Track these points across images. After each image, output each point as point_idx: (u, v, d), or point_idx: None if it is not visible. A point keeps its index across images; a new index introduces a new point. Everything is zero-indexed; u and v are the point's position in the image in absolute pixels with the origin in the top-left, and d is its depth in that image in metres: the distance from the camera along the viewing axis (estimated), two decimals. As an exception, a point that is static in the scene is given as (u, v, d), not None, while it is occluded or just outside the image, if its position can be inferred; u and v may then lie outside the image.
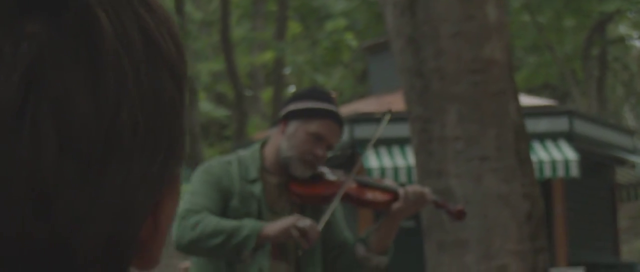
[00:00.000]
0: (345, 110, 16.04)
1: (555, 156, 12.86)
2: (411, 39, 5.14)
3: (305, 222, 3.44)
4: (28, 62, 0.55)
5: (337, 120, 3.74)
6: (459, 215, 3.72)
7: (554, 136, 13.38)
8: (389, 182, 3.82)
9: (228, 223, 3.52)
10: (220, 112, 23.78)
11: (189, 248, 3.56)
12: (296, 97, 3.84)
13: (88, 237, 0.58)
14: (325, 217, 3.63)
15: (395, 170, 12.56)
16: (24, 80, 0.55)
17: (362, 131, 13.25)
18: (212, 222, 3.52)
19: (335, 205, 3.66)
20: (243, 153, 3.82)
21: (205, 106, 23.19)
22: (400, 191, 3.62)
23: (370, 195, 3.74)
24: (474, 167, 4.97)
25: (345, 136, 12.75)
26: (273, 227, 3.48)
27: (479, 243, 4.96)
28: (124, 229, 0.61)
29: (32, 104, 0.55)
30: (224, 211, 3.66)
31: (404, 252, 9.21)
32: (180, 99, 0.65)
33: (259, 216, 3.63)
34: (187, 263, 17.23)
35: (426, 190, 3.64)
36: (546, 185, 13.15)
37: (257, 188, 3.69)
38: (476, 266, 4.95)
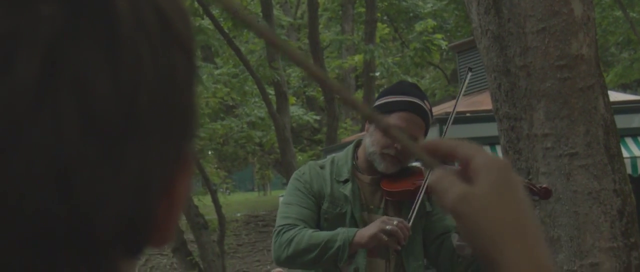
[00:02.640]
0: (436, 110, 15.96)
1: (649, 152, 12.61)
2: (496, 36, 5.11)
3: (392, 223, 3.44)
4: (47, 43, 0.56)
5: (417, 111, 3.70)
6: (545, 193, 3.70)
7: (648, 132, 13.12)
8: None
9: (320, 236, 3.54)
10: (311, 117, 23.84)
11: (287, 264, 3.61)
12: (380, 95, 3.86)
13: (108, 216, 0.59)
14: (414, 211, 3.62)
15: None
16: (44, 61, 0.56)
17: (453, 131, 13.16)
18: (305, 237, 3.55)
19: (422, 195, 3.65)
20: (338, 155, 3.85)
21: (296, 111, 23.29)
22: None
23: None
24: (564, 165, 4.92)
25: (436, 136, 12.68)
26: (363, 235, 3.49)
27: (570, 241, 4.90)
28: (143, 207, 0.62)
29: (53, 84, 0.56)
30: (318, 214, 3.69)
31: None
32: (192, 77, 0.66)
33: (352, 216, 3.65)
34: (279, 269, 17.33)
35: None
36: (639, 181, 12.90)
37: (348, 188, 3.71)
38: (568, 264, 4.89)
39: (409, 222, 3.54)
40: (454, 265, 3.71)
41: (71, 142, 0.56)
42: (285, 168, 16.97)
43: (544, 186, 3.74)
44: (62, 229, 0.57)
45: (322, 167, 3.80)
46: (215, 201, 22.76)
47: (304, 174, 3.77)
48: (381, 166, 3.70)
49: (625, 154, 5.26)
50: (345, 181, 3.74)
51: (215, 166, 31.33)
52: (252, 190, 43.84)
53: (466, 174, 0.97)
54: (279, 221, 3.67)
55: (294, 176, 3.83)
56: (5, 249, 0.57)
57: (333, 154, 3.96)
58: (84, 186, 0.57)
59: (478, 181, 0.95)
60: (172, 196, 0.65)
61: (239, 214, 30.89)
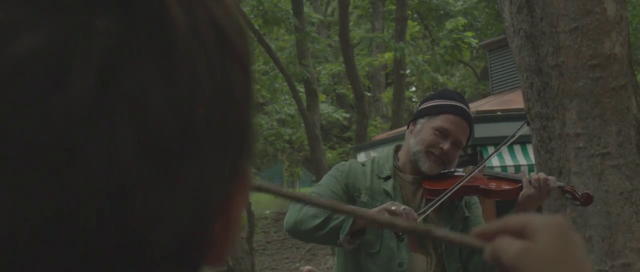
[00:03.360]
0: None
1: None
2: (529, 35, 5.10)
3: (398, 206, 3.45)
4: (103, 58, 0.55)
5: (464, 116, 3.77)
6: (587, 200, 3.73)
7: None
8: (514, 174, 3.84)
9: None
10: (341, 114, 23.84)
11: (295, 230, 3.63)
12: (425, 99, 3.92)
13: (164, 234, 0.58)
14: (433, 205, 3.64)
15: (517, 169, 12.42)
16: (100, 76, 0.55)
17: (483, 130, 13.14)
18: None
19: (445, 196, 3.67)
20: (378, 155, 3.91)
21: (326, 108, 23.30)
22: (525, 179, 3.63)
23: (494, 185, 3.76)
24: (596, 164, 4.90)
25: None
26: (368, 212, 3.50)
27: (602, 241, 4.88)
28: (199, 226, 0.60)
29: (109, 100, 0.55)
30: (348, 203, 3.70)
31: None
32: (249, 92, 0.64)
33: None
34: (308, 267, 17.43)
35: (551, 177, 3.64)
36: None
37: (389, 185, 3.74)
38: (599, 264, 4.88)
39: (423, 214, 3.56)
40: (486, 269, 3.72)
41: (126, 159, 0.55)
42: (314, 165, 16.99)
43: (586, 192, 3.76)
44: (117, 247, 0.56)
45: (363, 165, 3.85)
46: (244, 197, 22.80)
47: (343, 165, 3.83)
48: (425, 165, 3.74)
49: (657, 154, 5.25)
50: (387, 178, 3.78)
51: (245, 162, 31.38)
52: (282, 187, 43.79)
53: (524, 237, 0.97)
54: None
55: (334, 166, 3.90)
56: (61, 266, 0.56)
57: (373, 155, 4.00)
58: (140, 204, 0.56)
59: (537, 237, 0.95)
60: (229, 214, 0.64)
61: (268, 211, 30.93)
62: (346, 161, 3.97)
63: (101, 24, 0.55)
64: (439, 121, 3.74)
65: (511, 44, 5.28)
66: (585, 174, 4.92)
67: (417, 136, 3.77)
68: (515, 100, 13.27)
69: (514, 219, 0.98)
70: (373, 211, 3.46)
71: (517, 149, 12.58)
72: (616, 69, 4.92)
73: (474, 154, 12.87)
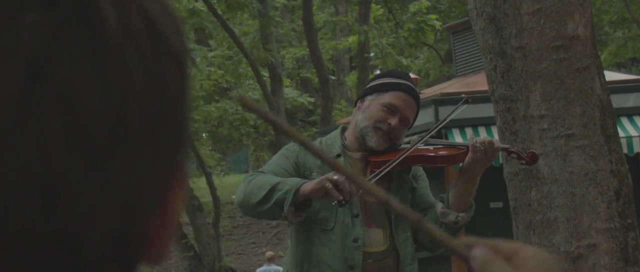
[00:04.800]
0: (430, 91, 15.96)
1: (644, 131, 12.62)
2: (492, 18, 5.10)
3: (340, 175, 3.46)
4: (31, 53, 0.54)
5: (412, 94, 3.82)
6: (532, 158, 3.83)
7: (643, 111, 13.12)
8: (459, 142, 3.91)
9: (274, 179, 3.59)
10: (305, 98, 23.82)
11: (244, 204, 3.65)
12: (374, 78, 3.96)
13: (97, 232, 0.56)
14: (380, 173, 3.67)
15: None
16: (28, 71, 0.53)
17: (447, 112, 13.16)
18: (263, 177, 3.62)
19: (397, 162, 3.69)
20: (326, 137, 3.93)
21: (290, 92, 23.27)
22: (471, 144, 3.67)
23: (439, 152, 3.80)
24: (560, 146, 4.92)
25: (430, 117, 12.69)
26: (310, 182, 3.52)
27: (567, 222, 4.90)
28: (134, 223, 0.59)
29: (38, 96, 0.53)
30: None
31: (492, 233, 9.16)
32: (184, 88, 0.63)
33: None
34: (271, 253, 17.33)
35: (495, 139, 3.71)
36: (635, 161, 12.92)
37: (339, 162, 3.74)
38: (565, 245, 4.90)
39: (369, 181, 3.56)
40: None
41: (57, 156, 0.54)
42: (279, 150, 16.97)
43: (532, 151, 3.89)
44: (48, 247, 0.55)
45: None
46: (210, 183, 22.78)
47: (293, 145, 3.86)
48: (372, 140, 3.78)
49: (620, 133, 5.27)
50: (337, 156, 3.79)
51: (210, 148, 31.36)
52: (247, 172, 43.84)
53: (511, 263, 0.98)
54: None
55: (284, 147, 3.92)
56: None
57: (320, 137, 4.04)
58: (71, 201, 0.54)
59: (526, 267, 0.95)
60: (166, 210, 0.63)
61: (233, 196, 30.91)
62: None
63: (29, 18, 0.54)
64: (388, 98, 3.78)
65: (474, 27, 5.28)
66: (549, 156, 4.94)
67: (365, 112, 3.80)
68: (479, 82, 13.30)
69: (504, 243, 0.98)
70: (316, 181, 3.48)
71: (482, 130, 12.62)
72: (580, 50, 4.93)
73: (438, 136, 12.89)
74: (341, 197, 3.45)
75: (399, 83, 3.82)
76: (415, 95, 3.84)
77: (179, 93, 0.62)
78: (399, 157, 3.69)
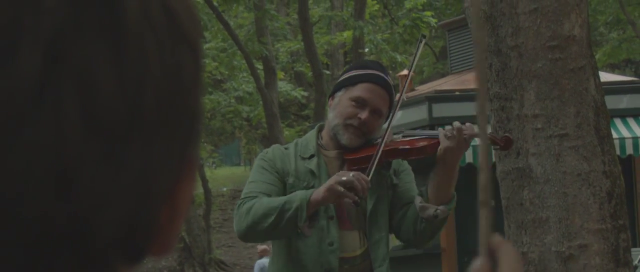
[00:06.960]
0: (424, 88, 15.97)
1: (637, 133, 12.64)
2: (488, 16, 5.09)
3: (348, 175, 3.43)
4: (50, 36, 0.54)
5: (381, 83, 3.74)
6: (507, 142, 3.82)
7: (636, 113, 13.14)
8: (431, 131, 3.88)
9: (277, 200, 3.55)
10: (299, 92, 23.82)
11: (248, 235, 3.61)
12: (344, 71, 3.92)
13: (109, 220, 0.56)
14: (373, 165, 3.63)
15: (473, 149, 12.46)
16: (47, 55, 0.53)
17: (442, 109, 13.18)
18: (263, 203, 3.55)
19: (378, 155, 3.65)
20: (301, 137, 3.91)
21: (284, 86, 23.27)
22: (441, 133, 3.63)
23: (412, 144, 3.75)
24: (553, 146, 4.91)
25: (424, 114, 12.70)
26: (319, 190, 3.49)
27: (559, 222, 4.90)
28: (145, 211, 0.59)
29: (55, 79, 0.53)
30: (284, 190, 3.69)
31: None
32: (199, 77, 0.63)
33: None
34: (264, 246, 17.31)
35: (466, 124, 3.66)
36: (627, 162, 12.95)
37: (313, 163, 3.71)
38: (556, 245, 4.89)
39: (367, 176, 3.54)
40: (417, 232, 3.69)
41: (72, 140, 0.54)
42: (272, 143, 16.93)
43: (506, 135, 3.89)
44: (61, 232, 0.55)
45: (286, 148, 3.83)
46: (201, 175, 22.81)
47: (267, 153, 3.81)
48: (344, 138, 3.71)
49: (613, 135, 5.27)
50: (311, 157, 3.75)
51: (202, 140, 31.33)
52: (239, 164, 43.84)
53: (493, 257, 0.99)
54: (242, 196, 3.71)
55: (258, 156, 3.88)
56: (2, 252, 0.54)
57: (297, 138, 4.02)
58: (85, 187, 0.54)
59: (504, 260, 0.99)
60: (175, 202, 0.62)
61: (225, 189, 30.91)
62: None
63: (49, 1, 0.54)
64: (356, 91, 3.69)
65: (471, 25, 5.28)
66: (543, 155, 4.93)
67: (335, 110, 3.74)
68: (473, 80, 13.31)
69: (495, 239, 1.00)
70: (326, 187, 3.45)
71: (476, 128, 12.62)
72: (575, 51, 4.93)
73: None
74: (356, 197, 3.43)
75: (366, 74, 3.73)
76: (384, 84, 3.74)
77: (194, 82, 0.62)
78: (378, 151, 3.64)
